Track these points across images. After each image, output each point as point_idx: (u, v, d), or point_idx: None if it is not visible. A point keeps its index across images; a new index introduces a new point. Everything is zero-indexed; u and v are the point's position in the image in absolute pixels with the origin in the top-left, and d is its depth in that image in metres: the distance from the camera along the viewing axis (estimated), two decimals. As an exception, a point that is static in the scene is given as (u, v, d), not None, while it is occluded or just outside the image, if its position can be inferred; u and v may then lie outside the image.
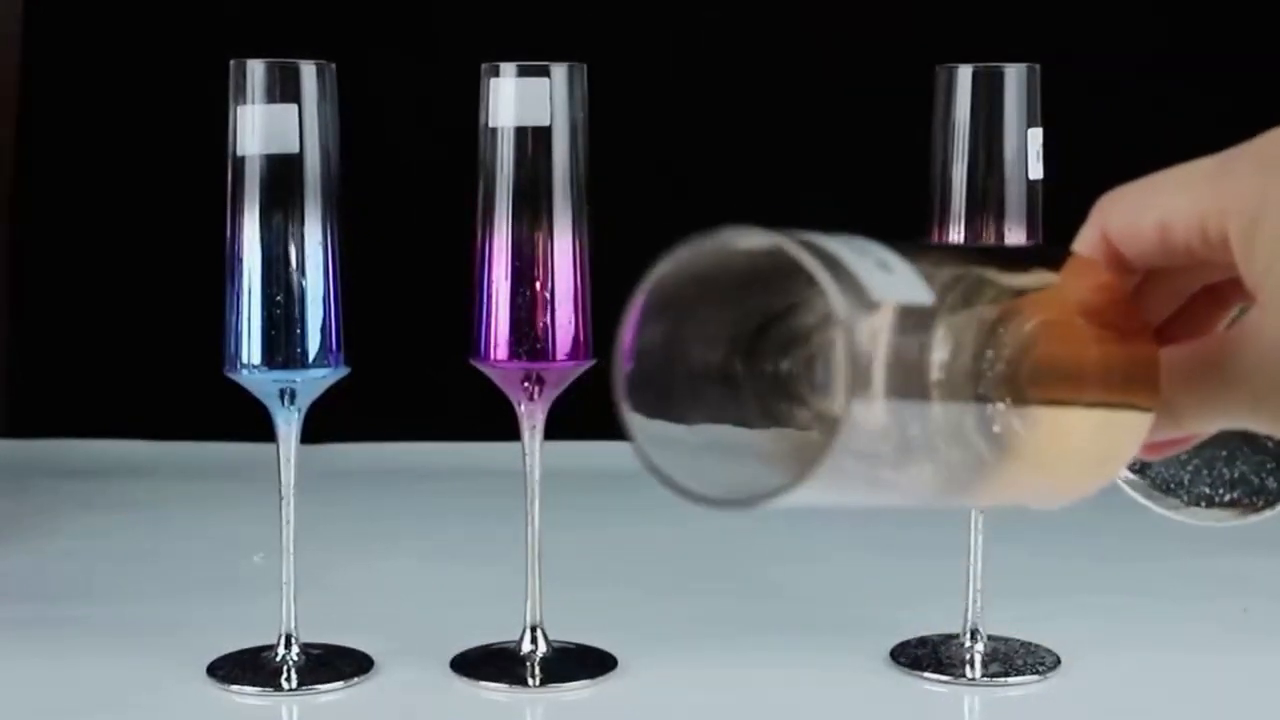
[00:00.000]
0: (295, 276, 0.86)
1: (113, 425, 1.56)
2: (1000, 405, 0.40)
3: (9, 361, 1.64)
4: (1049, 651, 0.94)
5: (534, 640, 0.92)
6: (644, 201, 1.36)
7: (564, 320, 0.88)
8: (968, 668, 0.92)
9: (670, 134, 1.59)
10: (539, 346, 0.88)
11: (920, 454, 0.39)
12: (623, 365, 0.40)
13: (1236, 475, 0.52)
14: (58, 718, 0.86)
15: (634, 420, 0.40)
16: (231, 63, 0.86)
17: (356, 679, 0.90)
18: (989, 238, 0.89)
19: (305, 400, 0.88)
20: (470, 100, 0.89)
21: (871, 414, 0.36)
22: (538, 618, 0.93)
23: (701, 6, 1.62)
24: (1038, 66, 0.90)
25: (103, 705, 0.88)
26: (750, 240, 0.38)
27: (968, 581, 0.93)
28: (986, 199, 0.89)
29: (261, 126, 0.85)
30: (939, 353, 0.39)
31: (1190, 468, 0.52)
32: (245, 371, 0.87)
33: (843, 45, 1.59)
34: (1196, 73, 1.55)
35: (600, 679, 0.91)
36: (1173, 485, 0.52)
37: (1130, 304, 0.45)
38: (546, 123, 0.88)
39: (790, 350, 0.42)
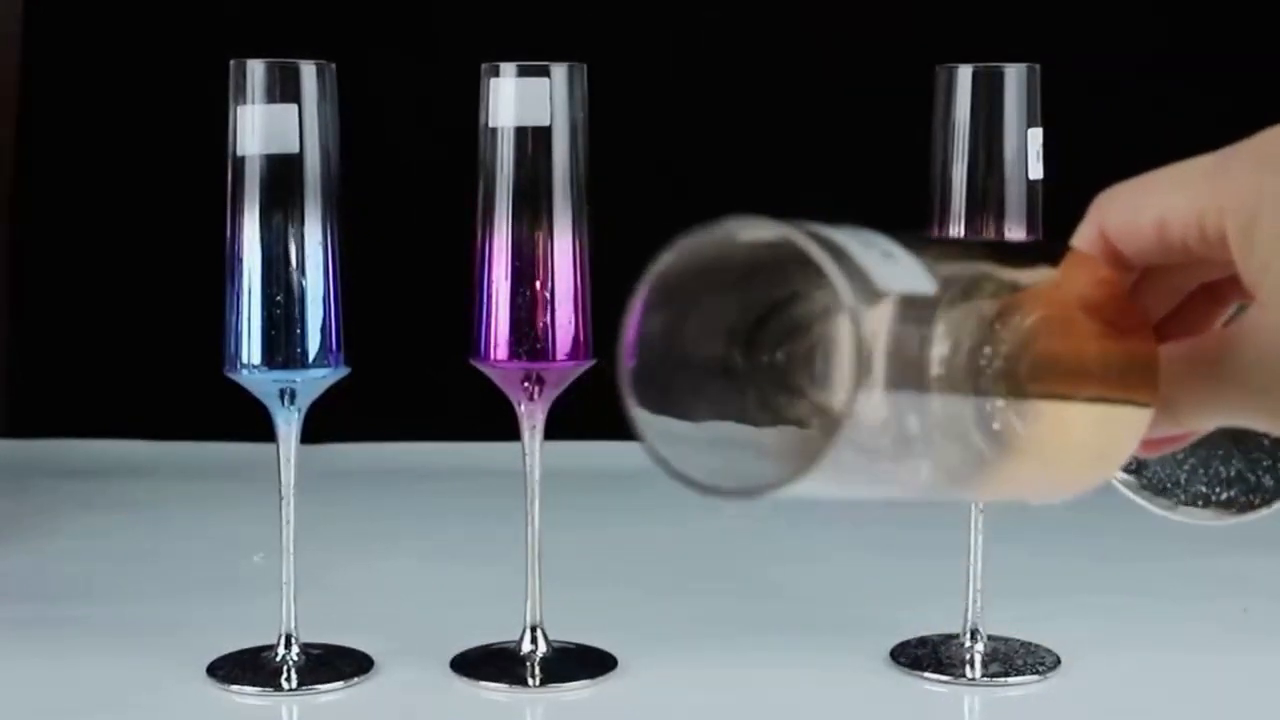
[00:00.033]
0: (295, 276, 0.86)
1: (113, 425, 1.56)
2: (1000, 400, 0.40)
3: (9, 361, 1.64)
4: (1049, 651, 0.94)
5: (534, 640, 0.92)
6: (644, 201, 1.35)
7: (564, 320, 0.88)
8: (968, 668, 0.92)
9: (670, 134, 1.59)
10: (539, 346, 0.88)
11: (920, 447, 0.39)
12: (626, 361, 0.40)
13: (1233, 473, 0.52)
14: (58, 718, 0.86)
15: (640, 415, 0.40)
16: (231, 63, 0.86)
17: (356, 679, 0.90)
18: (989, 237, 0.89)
19: (305, 400, 0.88)
20: (470, 100, 0.89)
21: (873, 405, 0.36)
22: (538, 618, 0.93)
23: (701, 6, 1.62)
24: (1038, 66, 0.90)
25: (103, 705, 0.88)
26: (754, 230, 0.38)
27: (968, 581, 0.93)
28: (986, 199, 0.89)
29: (261, 126, 0.85)
30: (939, 347, 0.39)
31: (1187, 467, 0.52)
32: (245, 371, 0.87)
33: (843, 45, 1.59)
34: (1196, 73, 1.55)
35: (600, 679, 0.91)
36: (1170, 485, 0.52)
37: (1129, 300, 0.45)
38: (546, 123, 0.88)
39: (789, 342, 0.43)
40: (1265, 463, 0.52)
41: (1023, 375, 0.41)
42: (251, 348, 0.86)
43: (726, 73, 1.60)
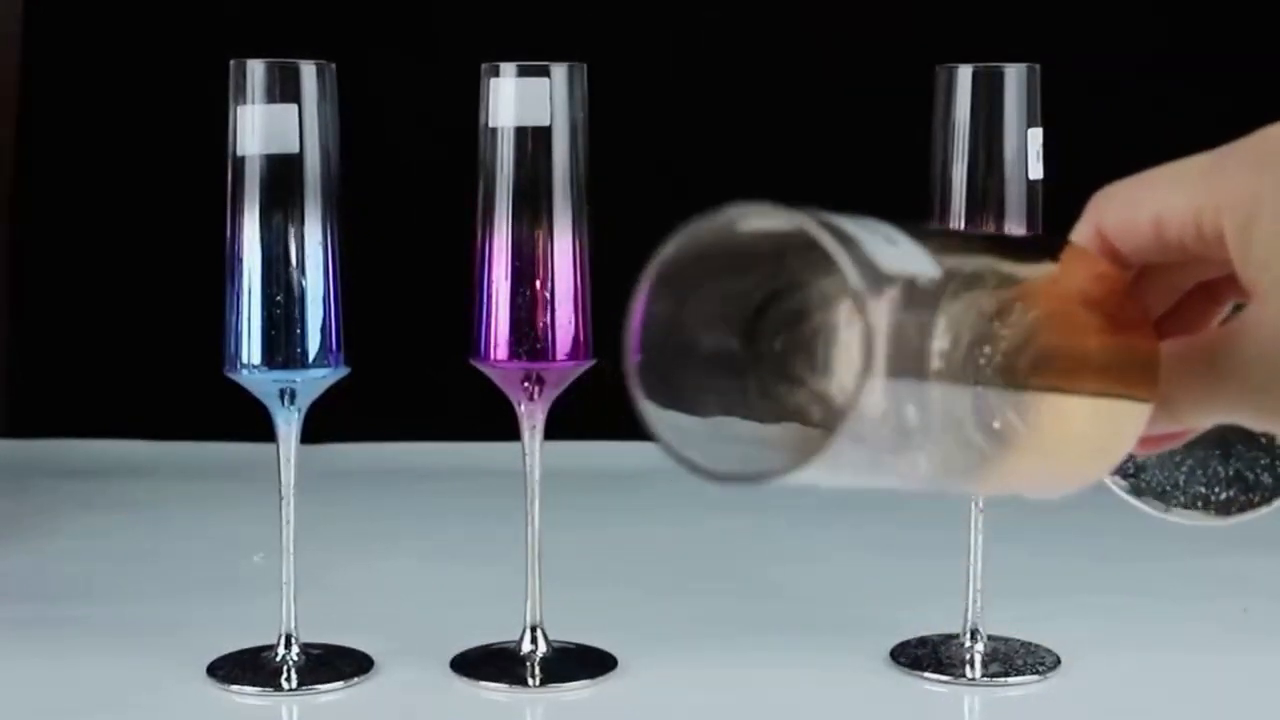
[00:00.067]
0: (295, 276, 0.86)
1: (113, 425, 1.56)
2: (999, 394, 0.40)
3: (9, 361, 1.64)
4: (1049, 651, 0.94)
5: (534, 640, 0.92)
6: (644, 201, 1.35)
7: (564, 320, 0.88)
8: (968, 668, 0.92)
9: (670, 134, 1.59)
10: (539, 346, 0.88)
11: (920, 439, 0.39)
12: (632, 356, 0.40)
13: (1231, 472, 0.52)
14: (58, 718, 0.86)
15: (648, 408, 0.40)
16: (231, 63, 0.86)
17: (356, 679, 0.90)
18: (989, 238, 0.89)
19: (305, 400, 0.88)
20: (470, 100, 0.89)
21: (876, 394, 0.36)
22: (538, 618, 0.93)
23: (701, 6, 1.62)
24: (1038, 66, 0.90)
25: (103, 705, 0.88)
26: (757, 217, 0.38)
27: (968, 581, 0.93)
28: (986, 199, 0.89)
29: (261, 126, 0.85)
30: (941, 339, 0.39)
31: (1185, 468, 0.52)
32: (245, 371, 0.87)
33: (843, 45, 1.59)
34: (1196, 73, 1.55)
35: (600, 679, 0.91)
36: (1168, 487, 0.52)
37: (1129, 295, 0.45)
38: (546, 123, 0.88)
39: (788, 331, 0.43)
40: (1263, 461, 0.52)
41: (1023, 369, 0.41)
42: (251, 348, 0.86)
43: (726, 73, 1.60)
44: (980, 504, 0.93)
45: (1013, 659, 0.93)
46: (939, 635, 0.96)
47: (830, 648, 0.96)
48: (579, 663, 0.92)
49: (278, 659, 0.91)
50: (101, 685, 0.90)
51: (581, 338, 0.89)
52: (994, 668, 0.92)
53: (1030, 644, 0.95)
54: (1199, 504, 0.52)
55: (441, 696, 0.89)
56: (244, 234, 0.86)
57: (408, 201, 1.58)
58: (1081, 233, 0.46)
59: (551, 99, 0.88)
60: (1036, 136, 0.90)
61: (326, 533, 1.06)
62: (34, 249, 1.63)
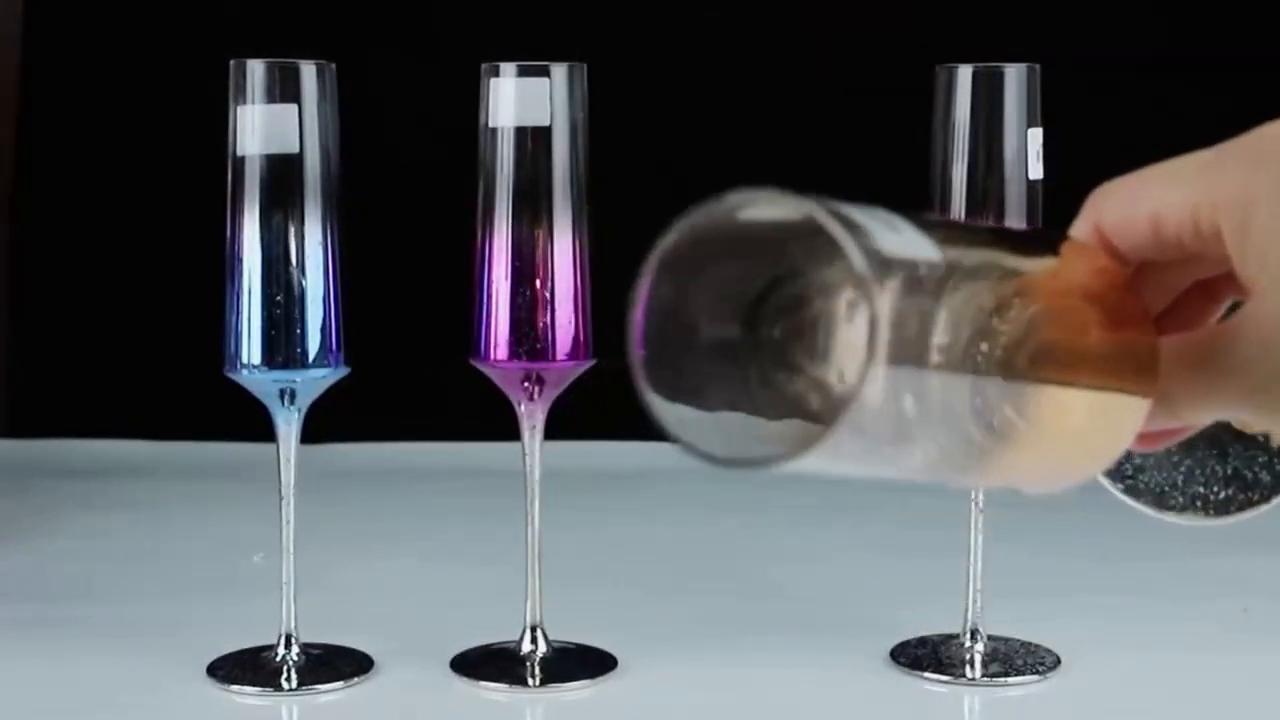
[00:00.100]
0: (295, 276, 0.86)
1: (113, 425, 1.56)
2: (999, 387, 0.40)
3: (9, 361, 1.64)
4: (1049, 651, 0.94)
5: (534, 640, 0.92)
6: (644, 201, 1.35)
7: (564, 320, 0.88)
8: (968, 668, 0.92)
9: (670, 134, 1.59)
10: (539, 346, 0.88)
11: (919, 430, 0.39)
12: (636, 349, 0.40)
13: (1230, 471, 0.52)
14: (58, 718, 0.86)
15: (653, 400, 0.40)
16: (231, 63, 0.86)
17: (356, 679, 0.90)
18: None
19: (305, 400, 0.88)
20: (470, 100, 0.89)
21: (878, 381, 0.36)
22: (538, 618, 0.93)
23: (701, 6, 1.62)
24: (1038, 66, 0.90)
25: (103, 705, 0.88)
26: (760, 204, 0.38)
27: (968, 581, 0.93)
28: (986, 199, 0.90)
29: (261, 126, 0.85)
30: (941, 331, 0.39)
31: (1183, 469, 0.52)
32: (245, 371, 0.87)
33: (843, 45, 1.59)
34: (1196, 73, 1.55)
35: (600, 679, 0.91)
36: (1167, 487, 0.52)
37: (1129, 290, 0.45)
38: (546, 123, 0.88)
39: (789, 318, 0.42)
40: (1261, 459, 0.52)
41: (1023, 363, 0.41)
42: (251, 348, 0.86)
43: (726, 73, 1.60)
44: (980, 504, 0.93)
45: (1013, 659, 0.93)
46: (939, 635, 0.96)
47: (830, 648, 0.96)
48: (579, 663, 0.92)
49: (278, 659, 0.91)
50: (101, 685, 0.90)
51: (581, 338, 0.89)
52: (994, 668, 0.92)
53: (1030, 644, 0.95)
54: (1198, 504, 0.52)
55: (441, 696, 0.89)
56: (244, 234, 0.86)
57: (408, 201, 1.58)
58: (1079, 230, 0.46)
59: (551, 99, 0.88)
60: (1036, 136, 0.90)
61: (326, 533, 1.06)
62: (34, 249, 1.63)
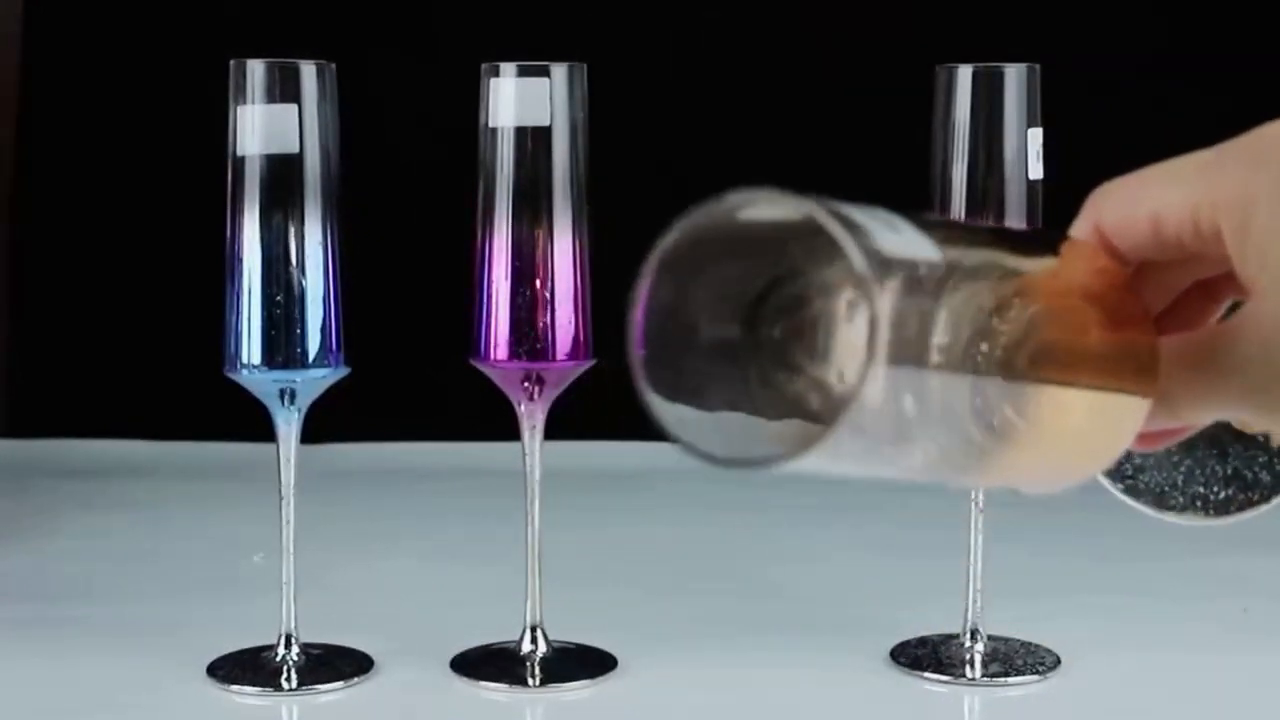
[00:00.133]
0: (295, 276, 0.86)
1: (113, 425, 1.56)
2: (999, 387, 0.40)
3: (9, 361, 1.64)
4: (1049, 651, 0.94)
5: (534, 640, 0.92)
6: (644, 201, 1.35)
7: (564, 320, 0.88)
8: (968, 668, 0.92)
9: (670, 134, 1.59)
10: (539, 346, 0.88)
11: (919, 430, 0.39)
12: (636, 349, 0.40)
13: (1230, 471, 0.52)
14: (58, 718, 0.86)
15: (652, 399, 0.40)
16: (231, 63, 0.86)
17: (356, 679, 0.90)
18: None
19: (305, 400, 0.88)
20: (470, 100, 0.89)
21: (878, 380, 0.36)
22: (538, 618, 0.93)
23: (701, 6, 1.62)
24: (1038, 66, 0.90)
25: (103, 705, 0.88)
26: (762, 204, 0.38)
27: (968, 581, 0.93)
28: (986, 199, 0.90)
29: (261, 126, 0.85)
30: (941, 331, 0.39)
31: (1183, 469, 0.52)
32: (245, 371, 0.87)
33: (843, 45, 1.59)
34: (1196, 73, 1.55)
35: (600, 679, 0.91)
36: (1167, 488, 0.52)
37: (1129, 290, 0.45)
38: (546, 123, 0.88)
39: (788, 318, 0.43)
40: (1261, 459, 0.52)
41: (1023, 362, 0.41)
42: (251, 348, 0.86)
43: (726, 73, 1.60)
44: (980, 504, 0.93)
45: (1013, 659, 0.93)
46: (939, 635, 0.96)
47: (830, 648, 0.96)
48: (579, 663, 0.92)
49: (278, 659, 0.91)
50: (101, 685, 0.90)
51: (581, 338, 0.89)
52: (994, 668, 0.92)
53: (1030, 644, 0.95)
54: (1198, 503, 0.52)
55: (441, 696, 0.89)
56: (244, 234, 0.86)
57: (408, 201, 1.58)
58: (1079, 229, 0.46)
59: (551, 99, 0.88)
60: (1036, 136, 0.90)
61: (326, 533, 1.06)
62: (34, 249, 1.63)
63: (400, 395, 1.53)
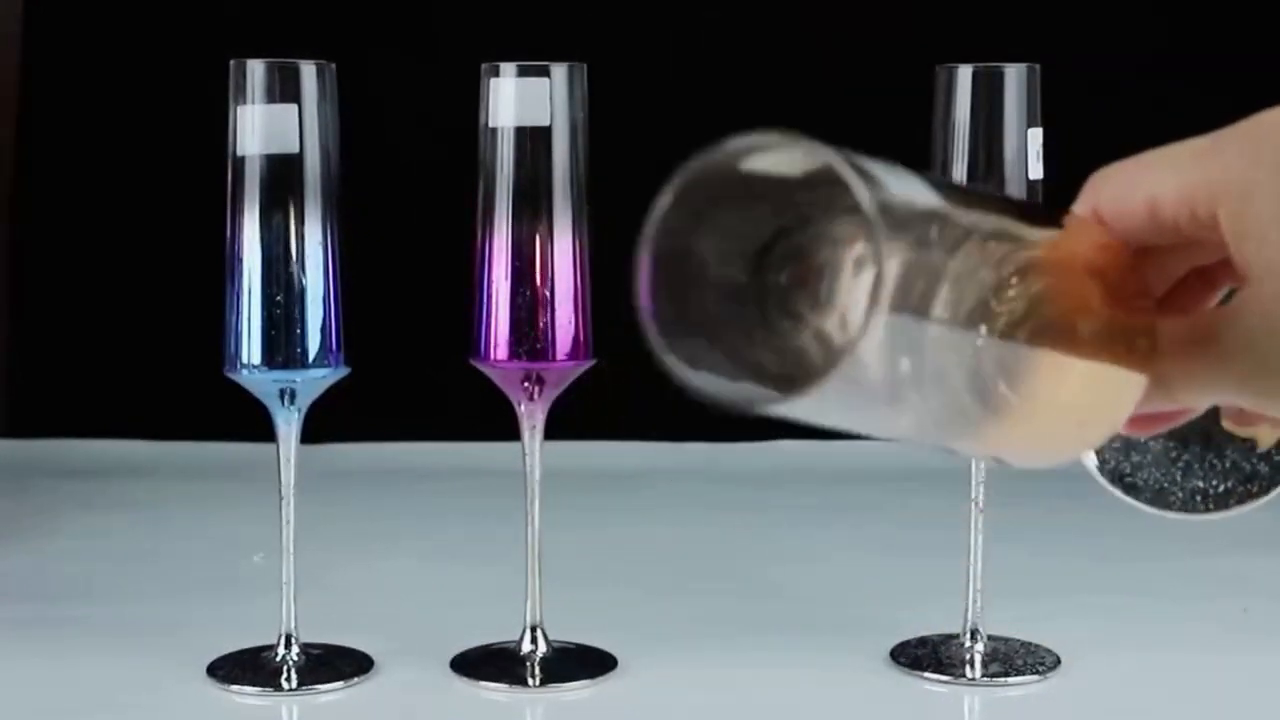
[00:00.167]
0: (295, 276, 0.86)
1: (113, 425, 1.56)
2: (996, 355, 0.40)
3: (9, 361, 1.64)
4: (1049, 651, 0.94)
5: (534, 640, 0.92)
6: (644, 201, 1.35)
7: (564, 320, 0.88)
8: (968, 668, 0.92)
9: (670, 134, 1.58)
10: (539, 346, 0.88)
11: (913, 391, 0.39)
12: (643, 293, 0.40)
13: (1228, 464, 0.52)
14: (58, 718, 0.87)
15: (658, 341, 0.40)
16: (231, 63, 0.86)
17: (356, 679, 0.90)
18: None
19: (305, 400, 0.88)
20: (470, 100, 0.89)
21: (878, 330, 0.36)
22: (538, 618, 0.93)
23: (701, 6, 1.62)
24: (1038, 66, 0.90)
25: (103, 705, 0.88)
26: (778, 148, 0.38)
27: (968, 581, 0.93)
28: (986, 199, 0.89)
29: (261, 126, 0.85)
30: (944, 292, 0.39)
31: (1181, 464, 0.52)
32: (245, 371, 0.87)
33: (843, 45, 1.59)
34: (1196, 73, 1.55)
35: (600, 679, 0.91)
36: (1165, 484, 0.52)
37: (1131, 268, 0.46)
38: (546, 123, 0.88)
39: (794, 265, 0.43)
40: (1259, 450, 0.52)
41: (1023, 330, 0.41)
42: (251, 348, 0.86)
43: (726, 73, 1.60)
44: (980, 504, 0.93)
45: (1013, 659, 0.93)
46: (939, 635, 0.96)
47: (830, 648, 0.96)
48: (579, 663, 0.92)
49: (278, 659, 0.91)
50: (101, 685, 0.90)
51: (581, 338, 0.89)
52: (994, 668, 0.92)
53: (1030, 644, 0.95)
54: (1197, 498, 0.52)
55: (441, 696, 0.89)
56: (244, 234, 0.86)
57: (408, 201, 1.58)
58: (1077, 213, 0.46)
59: (551, 99, 0.88)
60: (1036, 136, 0.90)
61: (326, 533, 1.06)
62: (34, 249, 1.63)
63: (400, 395, 1.53)
